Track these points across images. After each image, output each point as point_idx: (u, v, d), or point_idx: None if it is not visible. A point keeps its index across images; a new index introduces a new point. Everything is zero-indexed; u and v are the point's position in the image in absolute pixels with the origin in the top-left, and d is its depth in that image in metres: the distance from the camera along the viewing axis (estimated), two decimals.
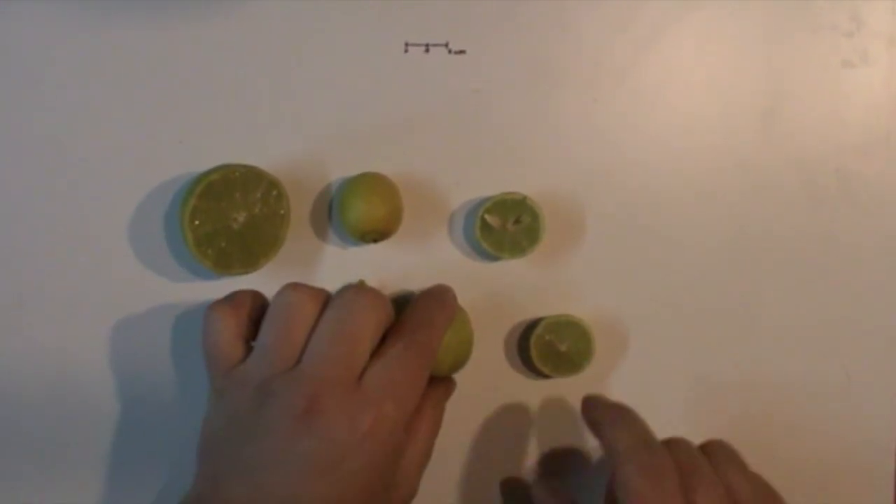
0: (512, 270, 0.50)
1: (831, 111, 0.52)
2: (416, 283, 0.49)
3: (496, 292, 0.50)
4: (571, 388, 0.51)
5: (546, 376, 0.50)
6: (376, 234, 0.47)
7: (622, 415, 0.44)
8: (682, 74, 0.51)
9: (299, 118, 0.48)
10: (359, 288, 0.44)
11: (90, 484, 0.48)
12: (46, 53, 0.46)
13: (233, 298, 0.44)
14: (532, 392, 0.51)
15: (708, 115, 0.51)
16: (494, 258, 0.49)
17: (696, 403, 0.52)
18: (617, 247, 0.51)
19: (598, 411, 0.45)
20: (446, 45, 0.49)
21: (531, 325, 0.50)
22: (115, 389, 0.48)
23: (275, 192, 0.46)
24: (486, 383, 0.50)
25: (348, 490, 0.39)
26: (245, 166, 0.46)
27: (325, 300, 0.43)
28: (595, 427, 0.45)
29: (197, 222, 0.45)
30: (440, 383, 0.46)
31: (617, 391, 0.51)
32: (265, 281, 0.47)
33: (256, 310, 0.44)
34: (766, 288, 0.52)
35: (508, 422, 0.51)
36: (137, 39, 0.47)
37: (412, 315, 0.44)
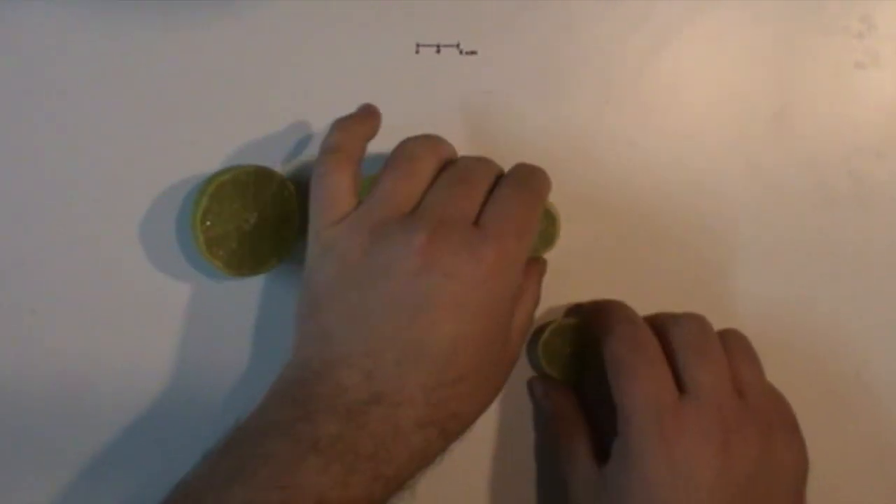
0: None
1: (843, 113, 0.52)
2: None
3: None
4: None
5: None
6: None
7: (607, 306, 0.47)
8: (694, 76, 0.51)
9: (310, 119, 0.48)
10: (465, 157, 0.43)
11: (102, 486, 0.48)
12: (55, 56, 0.46)
13: (346, 149, 0.43)
14: None
15: (720, 116, 0.51)
16: None
17: None
18: (629, 248, 0.51)
19: (592, 305, 0.48)
20: (458, 45, 0.49)
21: (539, 330, 0.49)
22: (127, 391, 0.47)
23: (286, 192, 0.46)
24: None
25: (472, 329, 0.38)
26: (256, 167, 0.46)
27: (448, 157, 0.42)
28: (586, 316, 0.48)
29: (208, 223, 0.45)
30: (535, 260, 0.46)
31: None
32: (277, 282, 0.47)
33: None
34: (777, 290, 0.52)
35: (522, 424, 0.51)
36: (146, 41, 0.47)
37: (516, 170, 0.43)
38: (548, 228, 0.48)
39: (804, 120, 0.52)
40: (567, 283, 0.50)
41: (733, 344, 0.45)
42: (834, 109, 0.52)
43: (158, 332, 0.47)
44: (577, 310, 0.50)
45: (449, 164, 0.42)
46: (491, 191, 0.41)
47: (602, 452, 0.45)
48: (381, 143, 0.48)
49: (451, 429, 0.38)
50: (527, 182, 0.42)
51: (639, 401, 0.42)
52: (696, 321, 0.46)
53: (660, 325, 0.46)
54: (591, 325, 0.47)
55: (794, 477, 0.44)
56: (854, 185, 0.52)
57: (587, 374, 0.49)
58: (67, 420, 0.47)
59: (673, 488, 0.40)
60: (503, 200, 0.40)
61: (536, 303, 0.45)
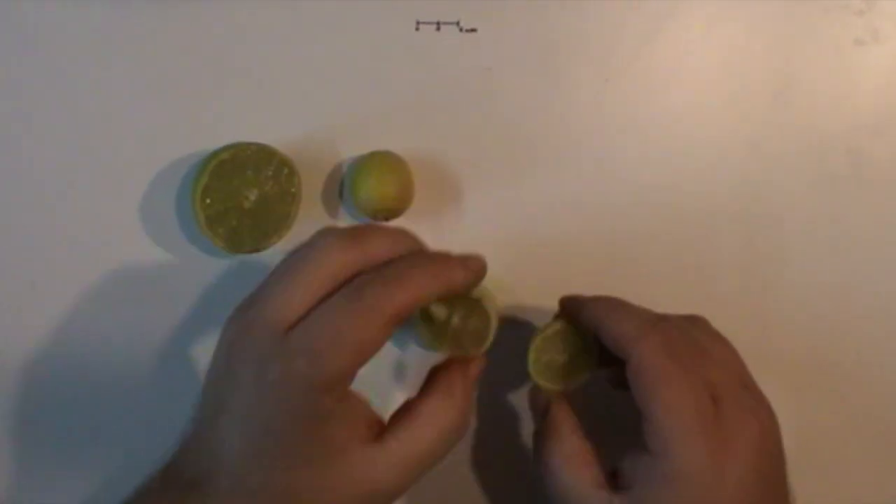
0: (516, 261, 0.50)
1: (843, 90, 0.52)
2: None
3: None
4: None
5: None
6: (387, 213, 0.47)
7: (617, 302, 0.43)
8: (694, 54, 0.51)
9: (310, 97, 0.48)
10: (337, 229, 0.39)
11: (98, 459, 0.48)
12: (55, 35, 0.46)
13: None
14: None
15: (720, 94, 0.51)
16: None
17: None
18: (628, 226, 0.51)
19: (590, 306, 0.43)
20: (457, 23, 0.49)
21: (530, 339, 0.46)
22: (127, 368, 0.48)
23: (286, 171, 0.46)
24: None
25: (266, 446, 0.35)
26: (256, 144, 0.46)
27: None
28: (591, 321, 0.42)
29: (208, 201, 0.45)
30: (450, 365, 0.40)
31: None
32: (276, 260, 0.47)
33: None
34: (777, 269, 0.52)
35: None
36: (148, 18, 0.47)
37: (387, 265, 0.38)
38: (479, 325, 0.43)
39: (804, 98, 0.52)
40: (565, 257, 0.50)
41: (713, 333, 0.44)
42: (834, 87, 0.52)
43: (159, 309, 0.47)
44: (567, 306, 0.45)
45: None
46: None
47: (609, 475, 0.41)
48: (383, 121, 0.48)
49: None
50: (363, 291, 0.36)
51: (684, 417, 0.38)
52: (702, 322, 0.44)
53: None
54: (595, 326, 0.42)
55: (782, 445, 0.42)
56: (853, 162, 0.52)
57: (581, 378, 0.45)
58: (66, 394, 0.47)
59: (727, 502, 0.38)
60: (319, 312, 0.36)
61: (440, 425, 0.38)
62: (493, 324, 0.43)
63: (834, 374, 0.53)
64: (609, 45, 0.50)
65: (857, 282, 0.53)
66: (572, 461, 0.41)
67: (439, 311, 0.41)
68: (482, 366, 0.42)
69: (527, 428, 0.50)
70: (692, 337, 0.41)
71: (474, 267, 0.39)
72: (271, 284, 0.38)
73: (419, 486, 0.38)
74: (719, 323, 0.51)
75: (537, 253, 0.50)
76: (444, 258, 0.39)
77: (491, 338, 0.43)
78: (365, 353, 0.36)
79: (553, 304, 0.50)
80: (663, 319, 0.41)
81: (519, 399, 0.50)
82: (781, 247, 0.52)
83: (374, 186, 0.46)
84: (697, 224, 0.51)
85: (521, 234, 0.50)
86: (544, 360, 0.45)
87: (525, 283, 0.50)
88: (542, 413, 0.44)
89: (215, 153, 0.45)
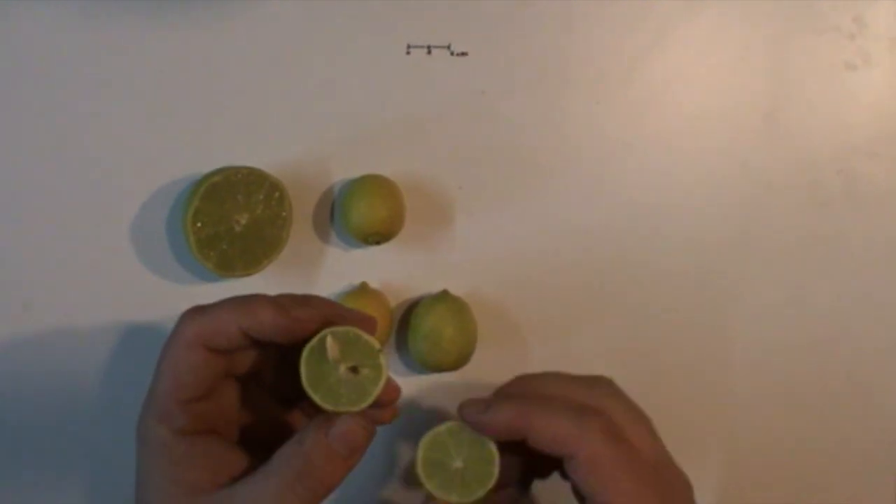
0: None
1: (834, 113, 0.52)
2: (418, 284, 0.49)
3: None
4: None
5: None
6: (378, 236, 0.47)
7: (533, 400, 0.40)
8: (686, 76, 0.51)
9: (301, 120, 0.48)
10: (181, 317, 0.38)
11: (93, 485, 0.48)
12: (49, 55, 0.46)
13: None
14: None
15: (711, 116, 0.51)
16: None
17: (696, 406, 0.52)
18: (619, 247, 0.51)
19: (503, 412, 0.39)
20: (448, 46, 0.49)
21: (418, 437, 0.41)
22: (119, 391, 0.48)
23: (277, 194, 0.46)
24: None
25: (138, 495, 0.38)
26: (247, 168, 0.46)
27: None
28: (511, 430, 0.38)
29: (199, 224, 0.45)
30: (306, 428, 0.37)
31: None
32: (267, 283, 0.47)
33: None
34: (769, 289, 0.52)
35: None
36: (139, 42, 0.47)
37: (297, 450, 0.36)
38: (364, 382, 0.37)
39: (795, 120, 0.52)
40: (556, 279, 0.50)
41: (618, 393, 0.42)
42: (825, 110, 0.52)
43: (149, 332, 0.47)
44: (466, 414, 0.40)
45: None
46: None
47: None
48: (375, 144, 0.49)
49: None
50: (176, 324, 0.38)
51: (644, 493, 0.37)
52: (606, 382, 0.42)
53: (566, 389, 0.41)
54: (518, 428, 0.38)
55: None
56: (845, 184, 0.52)
57: (488, 485, 0.39)
58: (57, 416, 0.47)
59: None
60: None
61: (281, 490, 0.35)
62: (380, 384, 0.36)
63: (826, 392, 0.53)
64: (600, 68, 0.50)
65: (848, 302, 0.53)
66: None
67: (332, 348, 0.36)
68: (349, 428, 0.36)
69: None
70: (614, 413, 0.40)
71: (301, 312, 0.37)
72: None
73: None
74: (711, 337, 0.52)
75: (528, 275, 0.50)
76: (262, 297, 0.37)
77: (371, 399, 0.36)
78: (180, 377, 0.36)
79: (544, 327, 0.50)
80: (587, 408, 0.39)
81: None
82: (772, 267, 0.52)
83: (366, 210, 0.46)
84: (688, 245, 0.51)
85: (511, 257, 0.50)
86: (434, 459, 0.40)
87: (515, 305, 0.50)
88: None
89: (206, 176, 0.45)
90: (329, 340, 0.36)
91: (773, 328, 0.52)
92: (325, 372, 0.36)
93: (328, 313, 0.37)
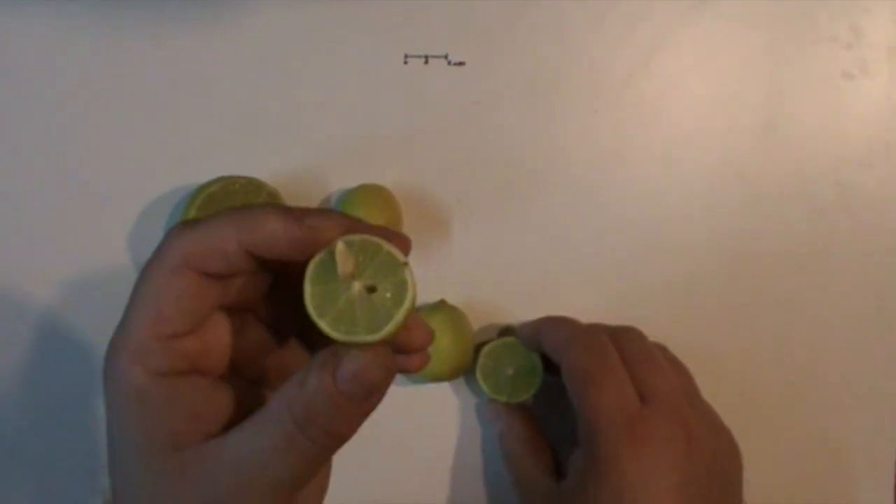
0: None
1: (831, 123, 0.52)
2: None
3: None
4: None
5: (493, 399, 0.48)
6: None
7: (556, 319, 0.47)
8: (682, 86, 0.51)
9: (299, 130, 0.48)
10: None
11: (91, 487, 0.48)
12: (48, 64, 0.46)
13: None
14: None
15: (708, 126, 0.51)
16: None
17: None
18: (616, 256, 0.51)
19: (533, 322, 0.47)
20: (445, 56, 0.49)
21: (478, 346, 0.49)
22: None
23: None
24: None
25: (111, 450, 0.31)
26: (245, 178, 0.46)
27: None
28: (533, 333, 0.46)
29: None
30: (319, 366, 0.29)
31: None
32: None
33: None
34: (765, 299, 0.52)
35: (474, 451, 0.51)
36: (137, 51, 0.47)
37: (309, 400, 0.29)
38: (386, 302, 0.29)
39: (792, 130, 0.52)
40: (553, 290, 0.50)
41: (663, 353, 0.47)
42: (821, 120, 0.52)
43: None
44: (514, 330, 0.49)
45: None
46: None
47: (559, 468, 0.46)
48: (372, 154, 0.49)
49: None
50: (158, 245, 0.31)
51: (606, 410, 0.42)
52: (636, 332, 0.47)
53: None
54: (537, 339, 0.47)
55: (737, 471, 0.45)
56: (841, 194, 0.52)
57: (532, 391, 0.48)
58: (56, 425, 0.48)
59: (644, 493, 0.41)
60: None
61: (281, 436, 0.29)
62: (405, 307, 0.28)
63: (822, 400, 0.53)
64: (597, 78, 0.50)
65: (844, 313, 0.53)
66: (526, 451, 0.47)
67: (344, 259, 0.28)
68: (362, 366, 0.28)
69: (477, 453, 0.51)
70: (623, 343, 0.45)
71: (317, 219, 0.29)
72: None
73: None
74: (707, 348, 0.52)
75: (526, 284, 0.50)
76: (268, 206, 0.30)
77: (393, 325, 0.28)
78: (162, 308, 0.29)
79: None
80: (594, 327, 0.46)
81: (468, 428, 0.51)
82: (768, 277, 0.52)
83: (362, 219, 0.46)
84: (685, 255, 0.51)
85: (509, 266, 0.50)
86: (490, 366, 0.48)
87: (513, 313, 0.50)
88: (497, 418, 0.48)
89: (204, 186, 0.46)
90: (340, 249, 0.28)
91: (768, 338, 0.52)
92: (335, 292, 0.28)
93: (346, 223, 0.30)
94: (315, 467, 0.29)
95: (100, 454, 0.48)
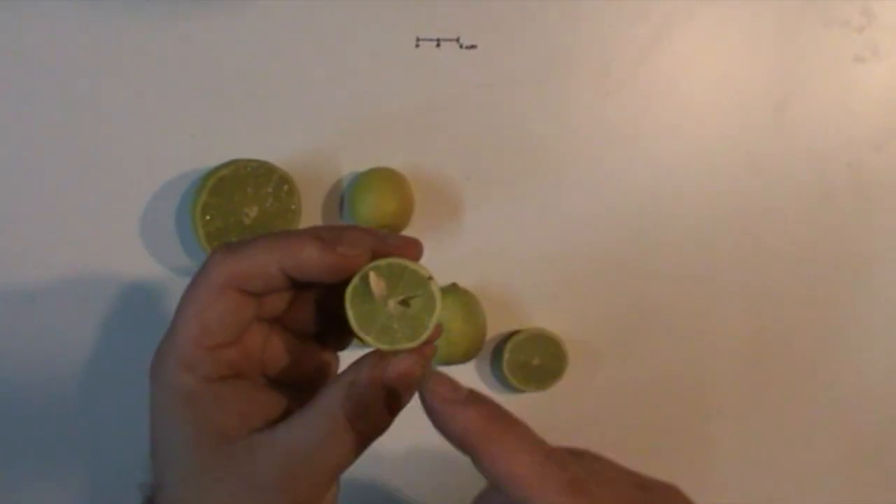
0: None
1: (843, 105, 0.52)
2: None
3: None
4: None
5: (519, 390, 0.50)
6: (387, 229, 0.47)
7: (506, 426, 0.32)
8: (695, 68, 0.51)
9: (310, 113, 0.48)
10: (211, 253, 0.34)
11: (98, 476, 0.48)
12: (57, 50, 0.46)
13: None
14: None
15: (720, 109, 0.51)
16: None
17: (700, 395, 0.52)
18: (627, 238, 0.51)
19: (458, 419, 0.32)
20: (457, 40, 0.49)
21: (505, 339, 0.50)
22: (127, 383, 0.47)
23: (286, 187, 0.46)
24: None
25: (155, 451, 0.34)
26: (256, 161, 0.46)
27: None
28: (462, 440, 0.32)
29: (208, 217, 0.45)
30: (366, 366, 0.33)
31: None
32: None
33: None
34: (776, 280, 0.52)
35: None
36: (148, 35, 0.47)
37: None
38: (419, 314, 0.33)
39: (804, 112, 0.52)
40: (564, 272, 0.50)
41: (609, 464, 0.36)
42: (833, 102, 0.52)
43: (158, 324, 0.47)
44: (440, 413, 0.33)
45: None
46: None
47: None
48: (383, 137, 0.48)
49: None
50: (203, 264, 0.34)
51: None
52: (591, 456, 0.35)
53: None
54: (464, 446, 0.32)
55: None
56: (852, 176, 0.52)
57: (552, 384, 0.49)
58: (63, 409, 0.48)
59: None
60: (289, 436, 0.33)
61: (329, 429, 0.32)
62: (436, 313, 0.33)
63: (834, 383, 0.53)
64: (609, 60, 0.50)
65: (855, 293, 0.53)
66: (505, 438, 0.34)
67: (377, 285, 0.33)
68: (408, 366, 0.33)
69: None
70: (593, 469, 0.34)
71: (347, 248, 0.33)
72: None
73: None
74: (719, 331, 0.52)
75: (537, 267, 0.50)
76: (303, 233, 0.34)
77: (429, 331, 0.33)
78: (207, 324, 0.33)
79: (553, 318, 0.50)
80: (554, 452, 0.32)
81: None
82: (780, 258, 0.52)
83: (374, 202, 0.46)
84: (697, 236, 0.51)
85: (520, 249, 0.50)
86: (520, 360, 0.48)
87: (524, 296, 0.50)
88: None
89: (215, 170, 0.45)
90: (373, 277, 0.33)
91: (779, 320, 0.52)
92: (373, 310, 0.33)
93: (372, 244, 0.33)
94: (357, 455, 0.33)
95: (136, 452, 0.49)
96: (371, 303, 0.33)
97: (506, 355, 0.49)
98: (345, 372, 0.33)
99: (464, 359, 0.47)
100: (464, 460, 0.31)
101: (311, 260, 0.32)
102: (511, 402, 0.50)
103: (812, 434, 0.53)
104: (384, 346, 0.33)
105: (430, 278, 0.33)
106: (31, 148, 0.46)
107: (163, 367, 0.33)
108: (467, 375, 0.50)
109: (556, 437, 0.52)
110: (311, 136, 0.48)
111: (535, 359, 0.49)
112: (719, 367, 0.52)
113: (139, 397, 0.48)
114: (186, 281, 0.47)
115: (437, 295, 0.33)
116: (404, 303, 0.33)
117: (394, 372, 0.32)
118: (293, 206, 0.46)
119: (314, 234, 0.33)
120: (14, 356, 0.47)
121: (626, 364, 0.51)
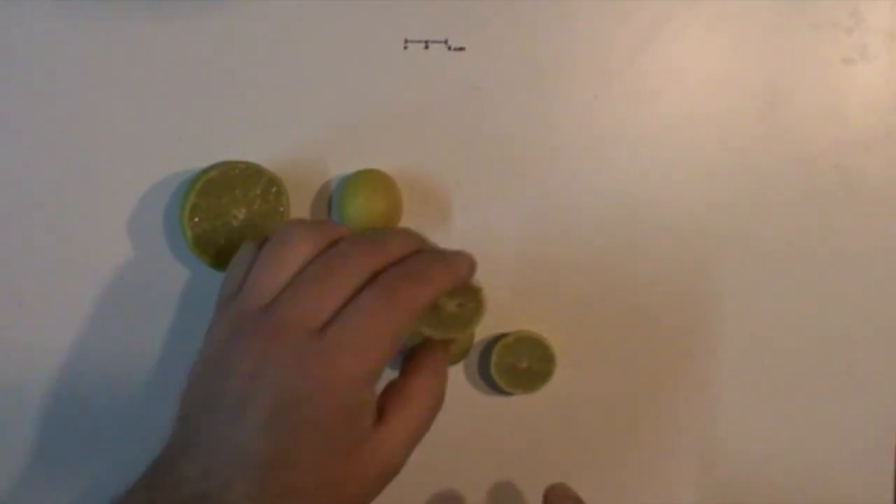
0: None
1: (831, 107, 0.52)
2: None
3: None
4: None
5: (506, 393, 0.50)
6: None
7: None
8: (683, 70, 0.51)
9: (299, 115, 0.48)
10: (358, 234, 0.40)
11: (89, 481, 0.48)
12: (45, 49, 0.46)
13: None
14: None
15: (708, 110, 0.51)
16: None
17: (688, 399, 0.52)
18: (616, 241, 0.51)
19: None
20: (446, 41, 0.49)
21: (493, 342, 0.50)
22: (114, 386, 0.48)
23: (274, 189, 0.46)
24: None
25: (297, 444, 0.36)
26: (245, 163, 0.46)
27: (331, 241, 0.40)
28: None
29: (196, 219, 0.45)
30: (433, 346, 0.42)
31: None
32: None
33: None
34: (765, 284, 0.52)
35: (468, 440, 0.51)
36: (135, 35, 0.46)
37: (407, 263, 0.39)
38: (468, 312, 0.42)
39: (792, 114, 0.52)
40: (554, 274, 0.50)
41: None
42: (822, 104, 0.52)
43: (146, 327, 0.47)
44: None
45: (328, 249, 0.39)
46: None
47: None
48: (372, 139, 0.49)
49: None
50: (396, 287, 0.38)
51: None
52: None
53: None
54: None
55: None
56: (841, 179, 0.52)
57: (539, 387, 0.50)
58: (54, 413, 0.47)
59: None
60: (355, 308, 0.37)
61: (431, 400, 0.41)
62: (483, 311, 0.42)
63: (824, 387, 0.53)
64: (597, 62, 0.50)
65: (845, 296, 0.53)
66: None
67: (446, 302, 0.42)
68: (446, 353, 0.43)
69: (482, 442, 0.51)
70: None
71: (472, 261, 0.42)
72: (298, 286, 0.38)
73: None
74: (706, 335, 0.52)
75: (526, 269, 0.50)
76: (451, 254, 0.41)
77: (476, 324, 0.42)
78: (397, 345, 0.38)
79: (543, 320, 0.50)
80: None
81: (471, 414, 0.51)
82: (768, 260, 0.52)
83: (363, 204, 0.46)
84: (686, 238, 0.51)
85: (509, 251, 0.50)
86: (508, 363, 0.49)
87: (514, 299, 0.50)
88: None
89: (203, 171, 0.45)
90: (442, 299, 0.41)
91: (768, 324, 0.52)
92: (436, 310, 0.41)
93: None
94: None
95: (128, 451, 0.48)
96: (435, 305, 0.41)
97: (494, 358, 0.49)
98: (428, 354, 0.42)
99: (455, 359, 0.47)
100: None
101: (464, 278, 0.41)
102: (499, 405, 0.51)
103: (811, 433, 0.53)
104: (437, 334, 0.41)
105: (481, 289, 0.42)
106: (16, 147, 0.46)
107: (341, 380, 0.37)
108: (455, 378, 0.50)
109: (545, 439, 0.52)
110: (300, 137, 0.48)
111: (524, 361, 0.49)
112: (709, 369, 0.52)
113: (130, 397, 0.48)
114: (174, 282, 0.47)
115: (485, 302, 0.42)
116: (460, 306, 0.42)
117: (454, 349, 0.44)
118: (282, 208, 0.46)
119: (461, 257, 0.41)
120: (1, 358, 0.47)
121: (615, 366, 0.51)
